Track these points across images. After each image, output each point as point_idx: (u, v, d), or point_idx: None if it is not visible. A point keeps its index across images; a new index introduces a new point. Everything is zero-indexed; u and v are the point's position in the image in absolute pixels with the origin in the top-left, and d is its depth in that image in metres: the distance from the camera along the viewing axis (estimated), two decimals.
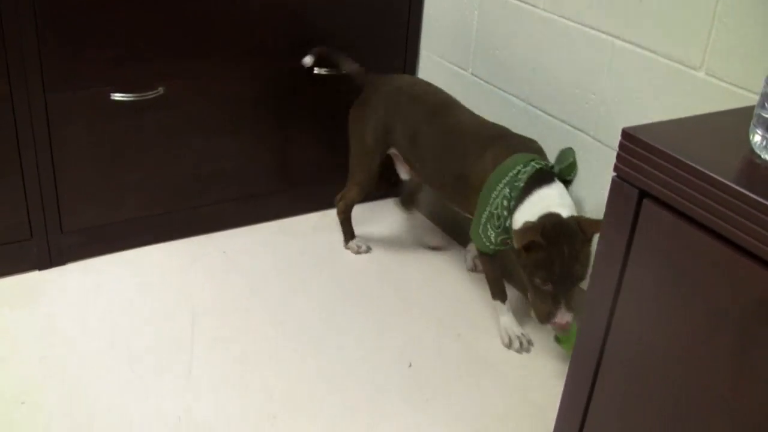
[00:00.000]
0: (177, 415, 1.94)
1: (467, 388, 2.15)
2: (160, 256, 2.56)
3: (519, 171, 2.08)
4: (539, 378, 2.19)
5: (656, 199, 0.97)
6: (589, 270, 1.81)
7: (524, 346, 2.28)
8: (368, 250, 2.69)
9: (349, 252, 2.67)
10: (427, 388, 2.13)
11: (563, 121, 2.29)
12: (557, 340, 2.19)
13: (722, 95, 1.81)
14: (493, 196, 2.12)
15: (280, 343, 2.23)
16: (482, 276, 2.43)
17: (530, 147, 2.20)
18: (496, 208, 2.12)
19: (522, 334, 2.30)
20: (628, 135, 0.97)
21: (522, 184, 2.06)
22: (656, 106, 1.99)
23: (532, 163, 2.08)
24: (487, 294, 2.35)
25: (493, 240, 2.17)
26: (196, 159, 2.56)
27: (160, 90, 2.37)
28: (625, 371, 1.11)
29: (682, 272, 0.98)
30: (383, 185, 2.75)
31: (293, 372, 2.13)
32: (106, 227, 2.50)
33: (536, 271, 1.97)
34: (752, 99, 1.73)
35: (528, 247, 1.96)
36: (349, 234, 2.70)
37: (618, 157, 0.99)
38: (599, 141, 2.19)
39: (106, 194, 2.46)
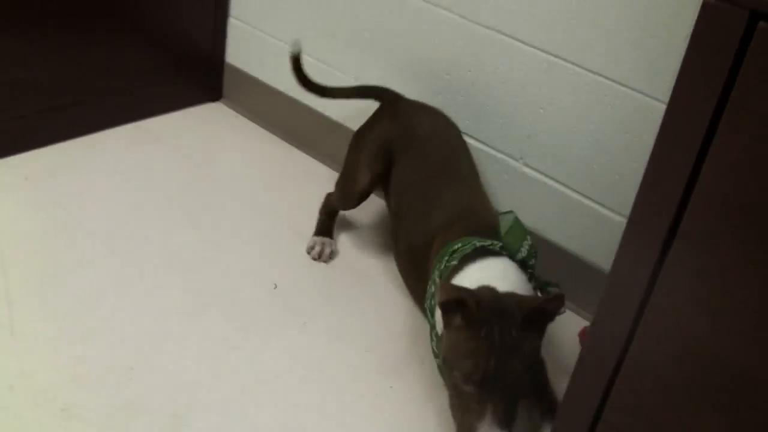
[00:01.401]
0: (8, 384, 1.50)
1: (346, 306, 1.84)
2: None
3: (455, 251, 1.55)
4: None
5: None
6: (536, 378, 1.48)
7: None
8: (328, 255, 1.98)
9: (179, 168, 2.24)
10: (301, 309, 1.81)
11: None
12: None
13: None
14: (429, 294, 1.58)
15: (117, 277, 1.80)
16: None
17: (489, 228, 1.61)
18: (431, 302, 1.57)
19: None
20: None
21: (455, 263, 1.53)
22: None
23: (474, 242, 1.55)
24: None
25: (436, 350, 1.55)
26: None
27: None
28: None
29: None
30: None
31: (142, 308, 1.72)
32: None
33: (456, 360, 1.38)
34: None
35: (449, 308, 1.40)
36: (321, 228, 2.03)
37: None
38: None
39: None
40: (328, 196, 2.05)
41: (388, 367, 1.68)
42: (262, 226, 2.05)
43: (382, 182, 1.89)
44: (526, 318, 1.38)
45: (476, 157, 2.00)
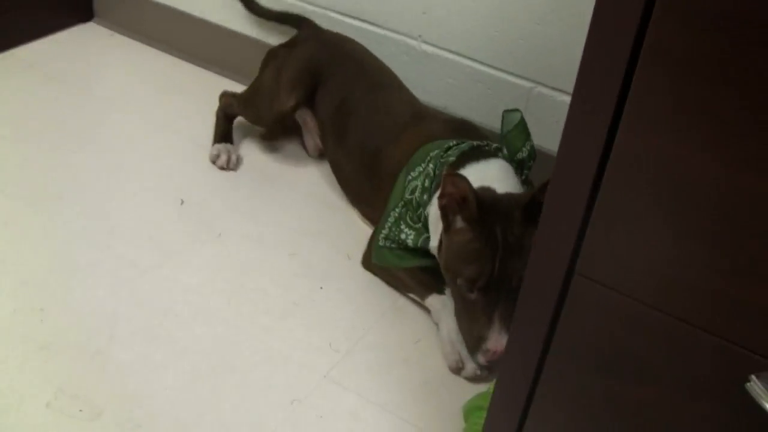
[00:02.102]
0: None
1: (260, 212, 1.71)
2: None
3: (451, 147, 1.47)
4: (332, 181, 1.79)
5: None
6: None
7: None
8: (235, 162, 1.83)
9: (60, 95, 2.03)
10: (214, 221, 1.67)
11: None
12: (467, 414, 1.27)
13: None
14: (411, 177, 1.47)
15: (11, 216, 1.61)
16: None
17: (469, 131, 1.59)
18: (414, 192, 1.45)
19: None
20: None
21: (453, 158, 1.43)
22: None
23: (469, 141, 1.48)
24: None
25: (411, 242, 1.45)
26: None
27: None
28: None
29: None
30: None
31: (42, 244, 1.55)
32: None
33: (459, 266, 1.31)
34: None
35: (450, 206, 1.32)
36: (221, 134, 1.87)
37: None
38: None
39: None
40: (226, 97, 1.90)
41: (314, 268, 1.57)
42: (159, 143, 1.89)
43: (307, 102, 1.76)
44: (525, 213, 1.29)
45: (374, 40, 1.87)
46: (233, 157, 1.82)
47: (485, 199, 1.31)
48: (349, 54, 1.76)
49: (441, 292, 1.45)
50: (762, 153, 0.64)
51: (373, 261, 1.53)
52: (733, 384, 0.72)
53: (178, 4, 2.18)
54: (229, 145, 1.84)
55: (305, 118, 1.82)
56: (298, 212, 1.71)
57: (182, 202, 1.71)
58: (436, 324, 1.43)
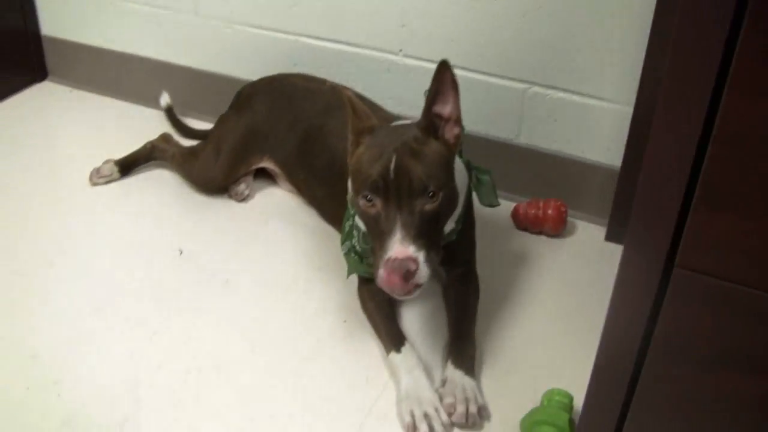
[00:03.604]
0: None
1: (263, 253, 1.64)
2: None
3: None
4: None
5: None
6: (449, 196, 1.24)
7: None
8: (100, 178, 1.83)
9: (25, 159, 1.93)
10: (217, 270, 1.59)
11: None
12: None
13: None
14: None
15: (7, 292, 1.52)
16: None
17: None
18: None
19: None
20: None
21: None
22: None
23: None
24: None
25: (360, 248, 1.37)
26: None
27: None
28: None
29: None
30: None
31: (47, 317, 1.45)
32: None
33: (359, 178, 1.24)
34: None
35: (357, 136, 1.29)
36: (127, 159, 1.87)
37: None
38: None
39: None
40: (165, 142, 1.88)
41: (332, 302, 1.51)
42: (138, 194, 1.80)
43: (265, 156, 1.76)
44: (426, 129, 1.26)
45: (353, 60, 1.81)
46: (99, 181, 1.82)
47: (386, 125, 1.32)
48: (291, 91, 1.72)
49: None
50: None
51: (347, 277, 1.43)
52: None
53: (136, 49, 2.10)
54: (117, 174, 1.84)
55: (270, 168, 1.78)
56: (301, 248, 1.64)
57: (181, 253, 1.62)
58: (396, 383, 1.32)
